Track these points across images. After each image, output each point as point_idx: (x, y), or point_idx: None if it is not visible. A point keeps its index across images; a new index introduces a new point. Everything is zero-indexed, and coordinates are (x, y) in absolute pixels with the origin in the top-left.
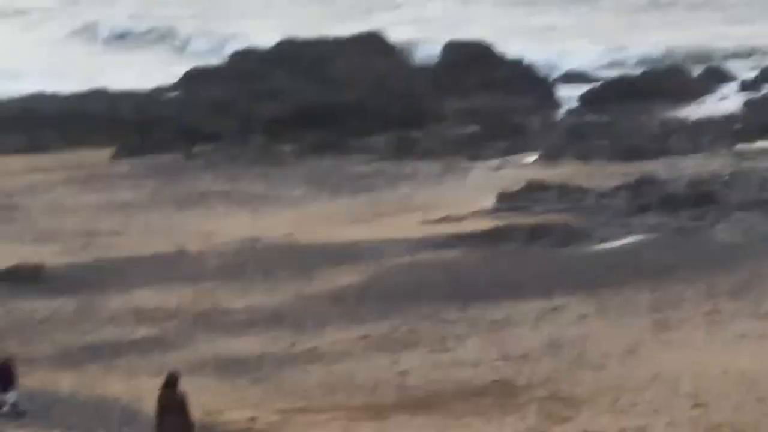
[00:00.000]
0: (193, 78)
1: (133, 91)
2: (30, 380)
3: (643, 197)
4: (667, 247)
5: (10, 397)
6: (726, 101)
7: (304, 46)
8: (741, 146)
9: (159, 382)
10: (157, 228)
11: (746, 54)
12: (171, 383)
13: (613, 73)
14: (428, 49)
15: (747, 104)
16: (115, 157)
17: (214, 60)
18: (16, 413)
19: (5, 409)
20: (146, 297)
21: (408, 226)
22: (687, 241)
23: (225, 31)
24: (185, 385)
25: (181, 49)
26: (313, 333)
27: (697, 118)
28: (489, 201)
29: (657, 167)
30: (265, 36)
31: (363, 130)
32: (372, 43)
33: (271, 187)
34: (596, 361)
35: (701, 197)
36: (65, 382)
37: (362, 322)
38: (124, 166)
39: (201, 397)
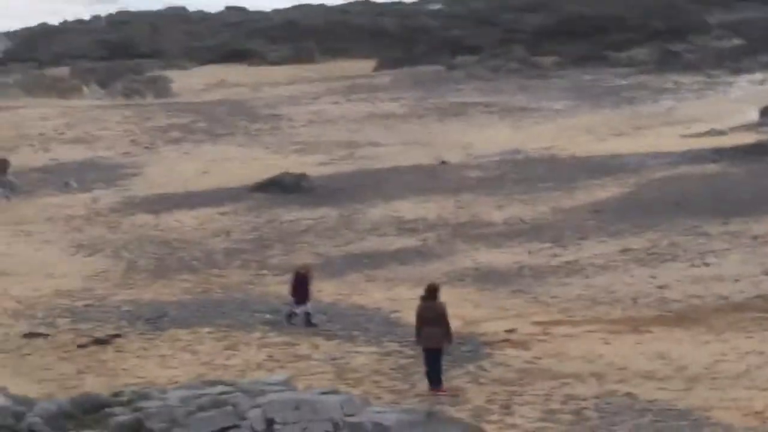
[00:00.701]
0: None
1: (396, 2)
2: None
3: None
4: None
5: (304, 308)
6: None
7: None
8: None
9: (418, 292)
10: (418, 139)
11: None
12: (430, 294)
13: None
14: None
15: None
16: (378, 68)
17: None
18: (308, 322)
19: (298, 318)
20: (407, 208)
21: (669, 140)
22: None
23: None
24: (445, 295)
25: None
26: (572, 245)
27: None
28: (752, 115)
29: None
30: None
31: (625, 42)
32: None
33: (532, 99)
34: None
35: None
36: (326, 290)
37: (622, 235)
38: (386, 77)
39: (460, 307)
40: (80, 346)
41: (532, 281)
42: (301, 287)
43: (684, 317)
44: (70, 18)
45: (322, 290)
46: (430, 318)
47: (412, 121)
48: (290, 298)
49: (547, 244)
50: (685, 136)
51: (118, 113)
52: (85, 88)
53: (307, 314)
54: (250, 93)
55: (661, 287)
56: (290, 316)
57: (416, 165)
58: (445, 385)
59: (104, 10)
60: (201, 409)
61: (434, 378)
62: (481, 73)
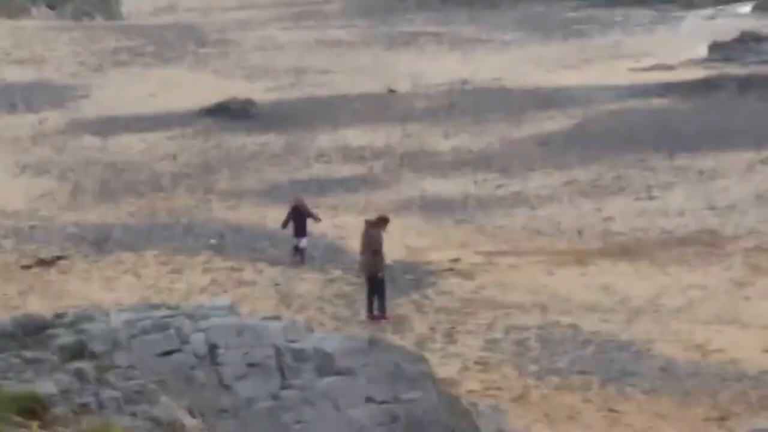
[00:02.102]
0: None
1: None
2: (238, 214)
3: None
4: None
5: (305, 241)
6: None
7: None
8: None
9: (363, 220)
10: (367, 67)
11: None
12: (376, 223)
13: None
14: None
15: None
16: None
17: None
18: (300, 260)
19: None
20: (354, 136)
21: (617, 73)
22: None
23: None
24: (390, 224)
25: None
26: (519, 177)
27: None
28: (701, 50)
29: None
30: None
31: None
32: None
33: (482, 29)
34: None
35: None
36: (272, 216)
37: (568, 167)
38: (336, 4)
39: (405, 236)
40: (24, 267)
41: (477, 211)
42: (299, 220)
43: (628, 250)
44: None
45: (266, 216)
46: (366, 246)
47: (361, 49)
48: (289, 232)
49: (494, 175)
50: (633, 69)
51: (67, 35)
52: (33, 9)
53: (303, 249)
54: (200, 17)
55: (606, 219)
56: (296, 249)
57: (364, 93)
58: (387, 313)
59: None
60: (144, 332)
61: (369, 305)
62: (432, 2)
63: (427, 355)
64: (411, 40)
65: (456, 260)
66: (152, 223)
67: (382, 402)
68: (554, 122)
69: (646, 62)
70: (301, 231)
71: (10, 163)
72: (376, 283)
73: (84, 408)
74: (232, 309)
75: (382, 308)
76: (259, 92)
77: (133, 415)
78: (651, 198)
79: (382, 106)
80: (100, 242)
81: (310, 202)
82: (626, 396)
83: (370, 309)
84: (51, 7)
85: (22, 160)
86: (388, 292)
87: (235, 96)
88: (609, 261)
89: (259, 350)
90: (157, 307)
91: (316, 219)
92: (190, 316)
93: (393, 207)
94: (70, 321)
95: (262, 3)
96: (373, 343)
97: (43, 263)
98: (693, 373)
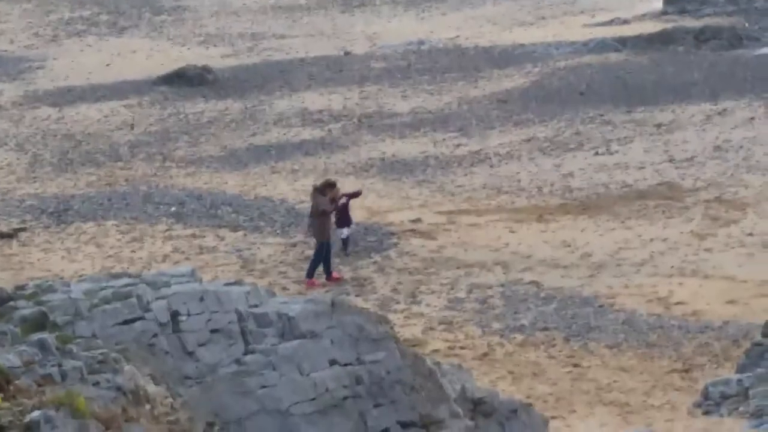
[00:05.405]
0: None
1: None
2: (197, 181)
3: None
4: None
5: (347, 231)
6: None
7: None
8: None
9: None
10: (323, 31)
11: None
12: (320, 188)
13: None
14: None
15: None
16: None
17: None
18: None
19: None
20: (312, 99)
21: (573, 29)
22: None
23: None
24: (350, 186)
25: None
26: (478, 136)
27: None
28: (656, 4)
29: None
30: None
31: None
32: None
33: None
34: (763, 164)
35: None
36: (232, 182)
37: (527, 124)
38: None
39: (366, 198)
40: None
41: (437, 171)
42: (339, 209)
43: (588, 205)
44: None
45: (226, 182)
46: (312, 210)
47: (317, 13)
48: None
49: (453, 134)
50: (588, 24)
51: (19, 6)
52: None
53: (346, 239)
54: None
55: (565, 175)
56: (343, 242)
57: (321, 56)
58: (314, 279)
59: None
60: (105, 301)
61: (325, 268)
62: None
63: (390, 316)
64: (366, 2)
65: (417, 221)
66: (112, 192)
67: (346, 364)
68: (512, 80)
69: (602, 17)
70: (342, 220)
71: None
72: (321, 247)
73: (47, 379)
74: (193, 276)
75: (311, 273)
76: (215, 59)
77: (97, 384)
78: (610, 153)
79: (338, 69)
80: (60, 213)
81: (269, 167)
82: (590, 351)
83: (327, 272)
84: None
85: None
86: (350, 254)
87: (192, 63)
88: (569, 217)
89: (222, 316)
90: (118, 276)
91: (356, 195)
92: (152, 284)
93: (352, 169)
94: (31, 293)
95: None
96: (335, 305)
97: (3, 236)
98: (656, 326)
